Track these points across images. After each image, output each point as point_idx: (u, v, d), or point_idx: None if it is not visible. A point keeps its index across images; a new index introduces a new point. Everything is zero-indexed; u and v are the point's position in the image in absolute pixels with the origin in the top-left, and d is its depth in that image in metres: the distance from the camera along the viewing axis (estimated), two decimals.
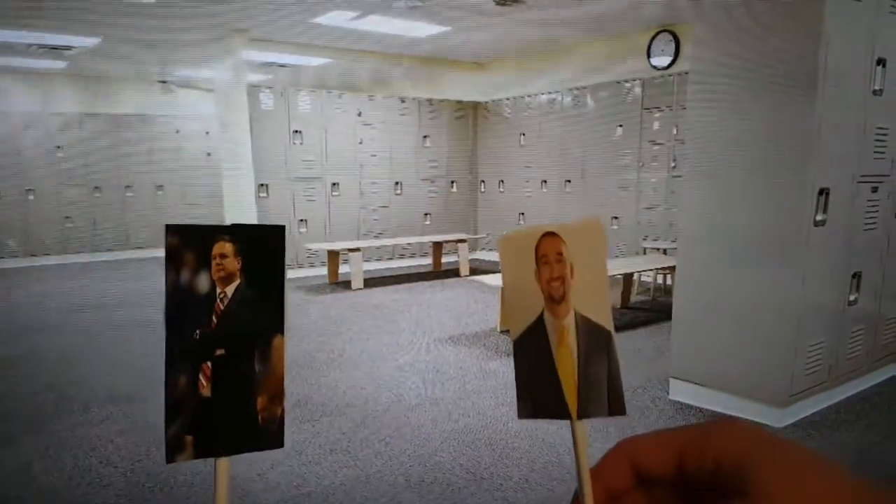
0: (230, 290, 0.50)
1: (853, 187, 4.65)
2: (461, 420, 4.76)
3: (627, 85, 10.19)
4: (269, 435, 0.51)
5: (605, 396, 0.52)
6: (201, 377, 0.50)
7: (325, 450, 4.27)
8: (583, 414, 0.51)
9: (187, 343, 0.50)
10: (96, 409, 5.05)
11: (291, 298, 9.32)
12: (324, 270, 11.01)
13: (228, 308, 0.50)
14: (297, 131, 10.89)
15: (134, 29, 9.81)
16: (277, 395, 0.51)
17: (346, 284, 10.22)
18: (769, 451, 0.39)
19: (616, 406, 0.52)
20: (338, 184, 11.47)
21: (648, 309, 8.46)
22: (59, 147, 13.09)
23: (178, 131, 14.29)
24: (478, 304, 8.79)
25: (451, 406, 5.04)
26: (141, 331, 7.50)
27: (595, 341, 0.51)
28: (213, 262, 0.50)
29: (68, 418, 4.88)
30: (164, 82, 13.66)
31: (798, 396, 4.61)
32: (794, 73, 4.26)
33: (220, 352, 0.50)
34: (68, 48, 11.16)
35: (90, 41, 10.68)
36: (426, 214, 12.81)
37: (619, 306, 8.46)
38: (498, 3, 8.55)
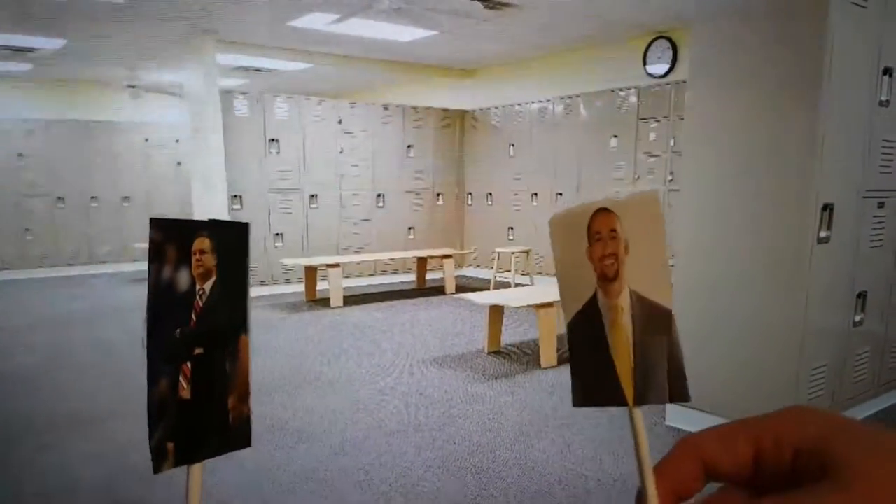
0: (208, 286, 0.52)
1: (858, 202, 4.69)
2: (446, 447, 4.74)
3: (622, 93, 10.25)
4: (239, 435, 0.53)
5: (665, 381, 0.51)
6: (181, 379, 0.51)
7: (300, 478, 4.26)
8: (640, 400, 0.51)
9: (169, 342, 0.51)
10: (61, 434, 5.01)
11: (266, 317, 9.29)
12: (300, 287, 10.99)
13: (207, 305, 0.51)
14: (273, 140, 10.88)
15: (101, 30, 9.82)
16: (245, 394, 0.53)
17: (325, 302, 10.20)
18: (851, 433, 0.39)
19: (678, 391, 0.51)
20: (316, 195, 11.46)
21: None
22: (20, 155, 13.02)
23: (146, 139, 14.24)
24: (464, 323, 8.79)
25: (435, 432, 5.03)
26: (105, 350, 7.46)
27: (653, 322, 0.50)
28: (193, 258, 0.51)
29: (30, 442, 4.85)
30: (132, 87, 13.64)
31: None
32: (796, 82, 4.30)
33: (198, 351, 0.51)
34: (31, 50, 11.14)
35: (55, 43, 10.67)
36: (410, 228, 12.81)
37: None
38: (487, 7, 8.59)
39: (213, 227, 0.51)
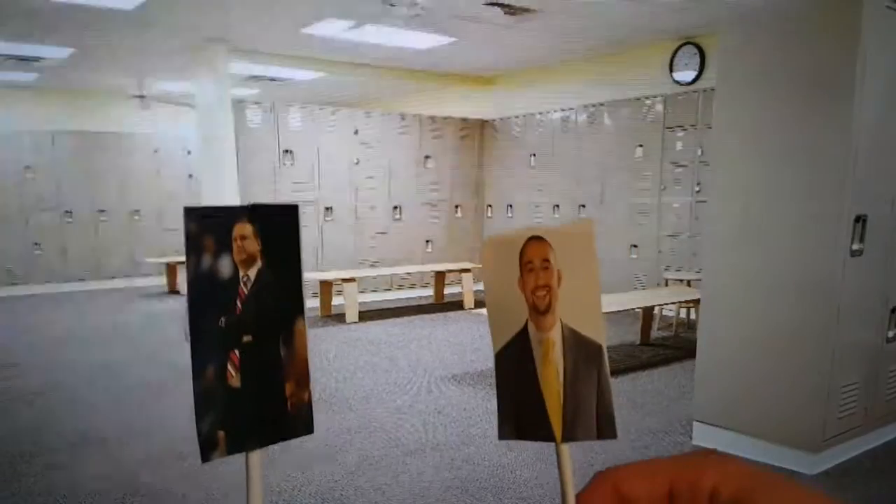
0: (252, 272, 0.52)
1: (893, 214, 4.68)
2: (465, 467, 4.76)
3: (648, 102, 10.27)
4: (300, 422, 0.53)
5: (594, 418, 0.52)
6: (229, 366, 0.51)
7: (316, 499, 4.28)
8: (568, 437, 0.52)
9: (213, 331, 0.51)
10: (67, 453, 5.06)
11: None
12: (315, 302, 11.03)
13: (252, 292, 0.52)
14: (287, 151, 10.95)
15: (109, 38, 9.92)
16: (303, 380, 0.53)
17: (340, 318, 10.24)
18: (769, 486, 0.40)
19: (606, 429, 0.52)
20: (331, 208, 11.51)
21: (670, 346, 8.48)
22: (27, 167, 13.14)
23: (156, 151, 14.35)
24: (483, 339, 8.79)
25: (453, 452, 5.04)
26: (113, 368, 7.52)
27: (584, 356, 0.51)
28: (235, 245, 0.51)
29: (36, 462, 4.89)
30: (141, 97, 13.73)
31: (831, 441, 4.62)
32: (828, 89, 4.31)
33: (247, 338, 0.52)
34: (38, 59, 11.26)
35: (62, 52, 10.78)
36: (427, 241, 12.84)
37: (638, 343, 8.48)
38: (507, 13, 8.63)
39: (255, 212, 0.52)
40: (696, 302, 6.50)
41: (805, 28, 4.40)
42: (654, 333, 8.95)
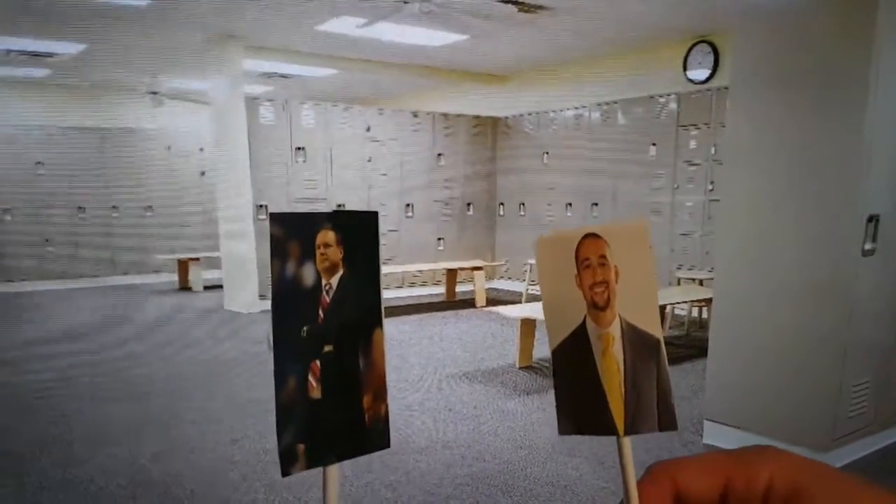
0: (335, 281, 0.52)
1: None
2: (476, 465, 4.80)
3: (662, 100, 10.27)
4: (376, 435, 0.54)
5: (655, 410, 0.54)
6: (310, 377, 0.52)
7: None
8: (631, 430, 0.53)
9: (295, 341, 0.52)
10: (79, 448, 5.11)
11: None
12: None
13: (334, 301, 0.52)
14: (299, 148, 11.00)
15: (122, 35, 9.97)
16: (381, 393, 0.54)
17: None
18: (829, 483, 0.43)
19: (667, 420, 0.53)
20: (343, 205, 11.50)
21: (682, 345, 8.49)
22: (39, 163, 13.22)
23: (169, 147, 14.44)
24: (495, 337, 8.83)
25: (464, 449, 5.08)
26: (126, 364, 7.58)
27: (643, 351, 0.53)
28: (318, 252, 0.52)
29: (48, 457, 4.93)
30: (154, 94, 13.78)
31: (841, 441, 4.64)
32: (842, 87, 4.32)
33: (328, 348, 0.53)
34: (50, 55, 11.32)
35: (75, 48, 10.85)
36: (440, 239, 12.89)
37: None
38: (521, 10, 8.65)
39: (338, 219, 0.51)
40: (708, 301, 6.52)
41: (819, 27, 4.41)
42: (666, 332, 8.96)
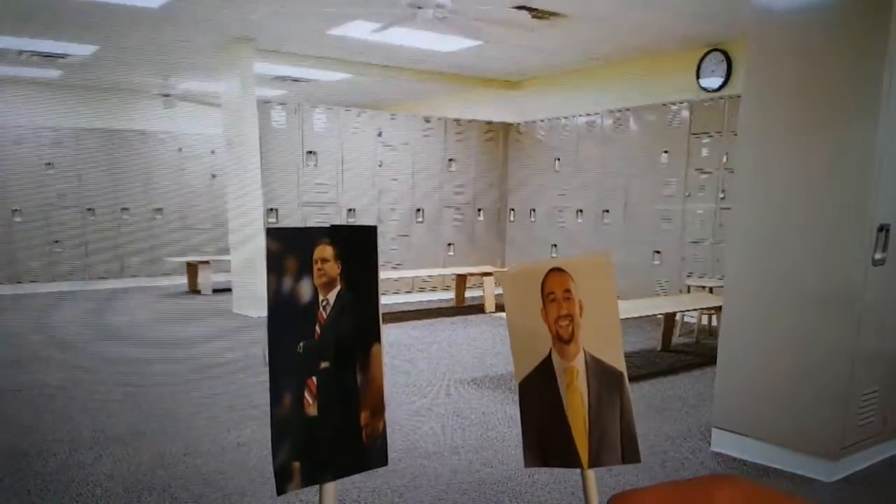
0: (332, 296, 0.53)
1: None
2: (483, 471, 4.82)
3: (674, 107, 10.30)
4: (374, 453, 0.54)
5: (619, 442, 0.56)
6: (306, 394, 0.52)
7: None
8: (595, 462, 0.55)
9: (291, 358, 0.52)
10: (84, 451, 5.13)
11: None
12: None
13: (331, 316, 0.53)
14: (311, 152, 11.04)
15: (134, 36, 10.04)
16: (379, 409, 0.55)
17: None
18: None
19: (630, 453, 0.56)
20: (354, 210, 11.59)
21: (692, 352, 8.50)
22: (49, 164, 13.24)
23: (180, 149, 14.49)
24: (504, 343, 8.81)
25: (472, 455, 5.10)
26: (133, 367, 7.63)
27: (606, 384, 0.55)
28: (315, 267, 0.52)
29: (53, 460, 4.96)
30: (166, 96, 13.82)
31: (850, 449, 4.65)
32: (855, 97, 4.34)
33: (324, 364, 0.53)
34: (62, 56, 11.40)
35: (87, 49, 10.92)
36: (450, 244, 12.91)
37: (659, 349, 8.50)
38: (535, 17, 8.68)
39: (336, 234, 0.52)
40: (718, 309, 6.52)
41: (832, 37, 4.44)
42: (676, 340, 8.98)
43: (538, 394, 0.48)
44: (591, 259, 0.46)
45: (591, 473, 0.46)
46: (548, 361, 0.47)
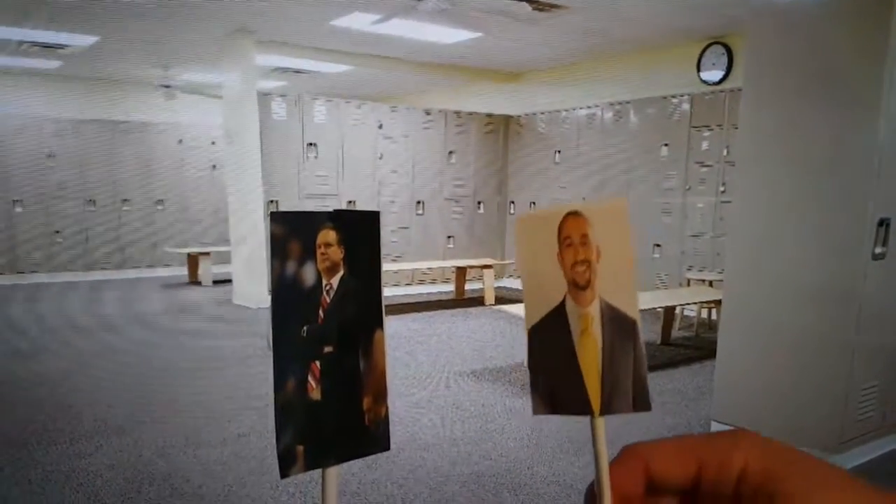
0: (335, 281, 0.52)
1: None
2: (482, 462, 4.82)
3: (675, 100, 10.27)
4: (377, 437, 0.54)
5: (630, 391, 0.55)
6: (310, 378, 0.52)
7: None
8: (606, 410, 0.54)
9: (295, 341, 0.52)
10: (85, 441, 5.14)
11: None
12: None
13: (334, 301, 0.52)
14: (311, 144, 11.02)
15: (135, 27, 10.03)
16: (381, 394, 0.54)
17: None
18: (797, 465, 0.43)
19: (641, 401, 0.54)
20: (354, 202, 11.56)
21: (691, 346, 8.50)
22: (50, 155, 13.25)
23: (180, 141, 14.48)
24: (503, 335, 8.85)
25: (471, 447, 5.10)
26: (134, 357, 7.63)
27: (620, 331, 0.54)
28: (318, 252, 0.52)
29: (54, 450, 4.96)
30: (166, 87, 13.79)
31: (849, 443, 4.66)
32: (855, 90, 4.33)
33: (328, 349, 0.53)
34: (63, 47, 11.38)
35: (87, 40, 10.91)
36: (449, 237, 12.90)
37: (659, 342, 8.49)
38: (535, 9, 8.66)
39: (339, 219, 0.52)
40: (718, 302, 6.52)
41: (833, 30, 4.43)
42: (675, 333, 8.98)
43: (550, 341, 0.47)
44: (607, 203, 0.45)
45: (601, 421, 0.46)
46: (561, 308, 0.46)
